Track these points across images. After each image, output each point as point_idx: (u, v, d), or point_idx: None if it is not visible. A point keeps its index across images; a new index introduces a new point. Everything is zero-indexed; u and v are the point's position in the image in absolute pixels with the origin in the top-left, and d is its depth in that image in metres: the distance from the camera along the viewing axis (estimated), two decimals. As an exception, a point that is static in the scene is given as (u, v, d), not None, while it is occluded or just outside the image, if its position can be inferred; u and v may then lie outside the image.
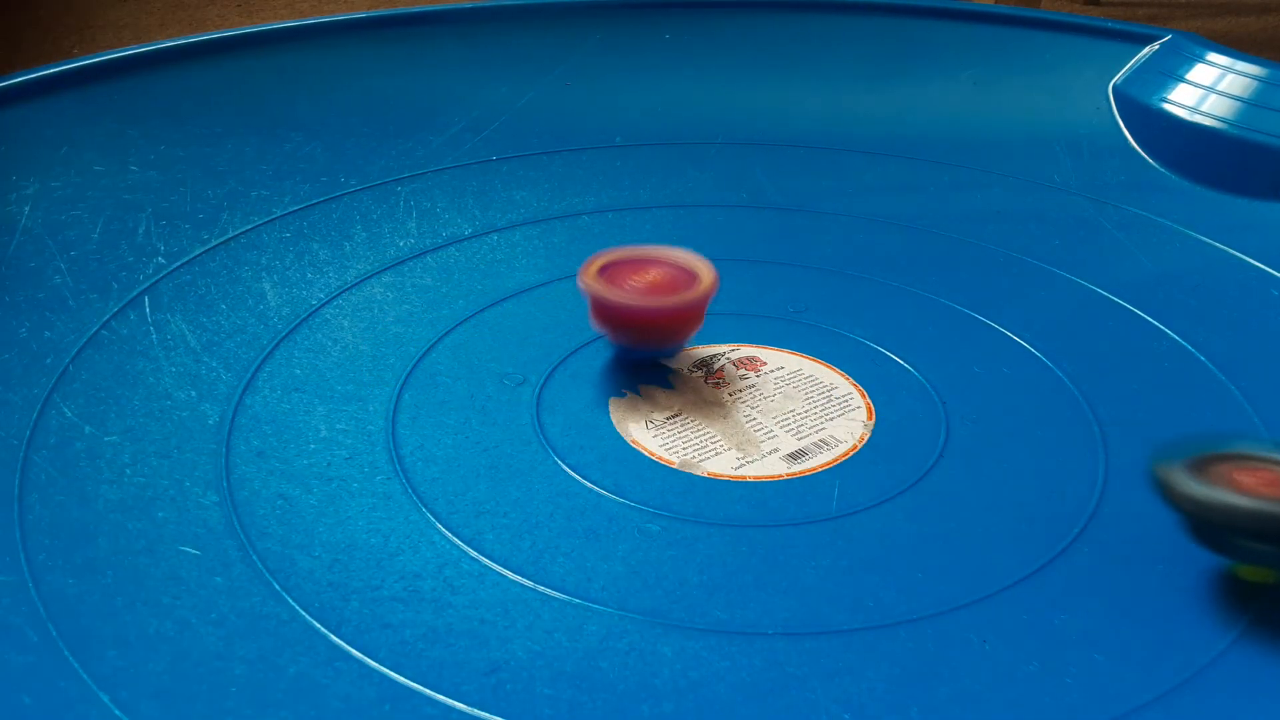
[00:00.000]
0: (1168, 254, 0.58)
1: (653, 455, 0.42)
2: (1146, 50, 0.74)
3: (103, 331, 0.47)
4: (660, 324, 0.46)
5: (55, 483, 0.39)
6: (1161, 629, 0.35)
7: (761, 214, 0.61)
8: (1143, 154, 0.68)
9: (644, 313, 0.45)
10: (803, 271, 0.55)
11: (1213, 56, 0.70)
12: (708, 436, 0.43)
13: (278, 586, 0.35)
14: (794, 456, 0.42)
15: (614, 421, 0.44)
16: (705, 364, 0.48)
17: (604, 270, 0.46)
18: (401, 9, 0.75)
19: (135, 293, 0.50)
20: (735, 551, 0.38)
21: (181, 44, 0.68)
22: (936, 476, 0.42)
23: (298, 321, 0.49)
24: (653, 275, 0.46)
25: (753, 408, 0.45)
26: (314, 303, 0.51)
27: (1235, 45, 0.73)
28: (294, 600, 0.35)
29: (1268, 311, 0.53)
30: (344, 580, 0.36)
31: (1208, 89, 0.68)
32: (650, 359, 0.48)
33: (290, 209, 0.58)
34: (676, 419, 0.44)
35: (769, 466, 0.42)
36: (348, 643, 0.33)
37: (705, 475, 0.41)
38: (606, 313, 0.46)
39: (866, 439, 0.43)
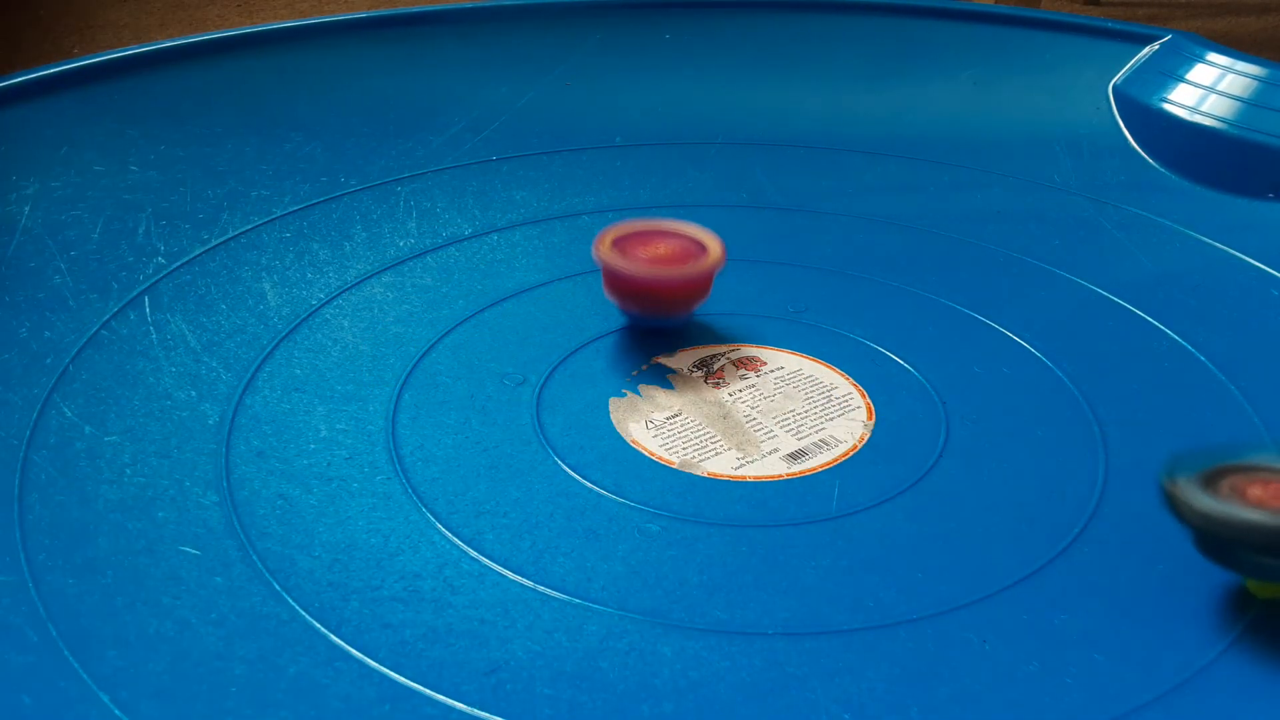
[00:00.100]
0: (1168, 254, 0.58)
1: (653, 455, 0.42)
2: (1146, 50, 0.74)
3: (103, 331, 0.47)
4: (668, 294, 0.48)
5: (55, 483, 0.39)
6: (1161, 629, 0.35)
7: (761, 214, 0.61)
8: (1143, 154, 0.68)
9: (653, 283, 0.47)
10: (803, 271, 0.55)
11: (1213, 56, 0.70)
12: (708, 436, 0.43)
13: (278, 586, 0.35)
14: (794, 456, 0.42)
15: (614, 421, 0.44)
16: (705, 364, 0.48)
17: (617, 242, 0.48)
18: (401, 9, 0.75)
19: (135, 293, 0.50)
20: (735, 551, 0.38)
21: (181, 44, 0.68)
22: (936, 476, 0.42)
23: (298, 321, 0.49)
24: (663, 247, 0.48)
25: (753, 408, 0.45)
26: (314, 303, 0.51)
27: (1235, 45, 0.73)
28: (294, 600, 0.35)
29: (1268, 311, 0.53)
30: (344, 580, 0.36)
31: (1208, 89, 0.68)
32: (660, 327, 0.50)
33: (290, 209, 0.58)
34: (676, 419, 0.44)
35: (769, 466, 0.42)
36: (348, 643, 0.33)
37: (705, 475, 0.41)
38: (618, 282, 0.48)
39: (866, 439, 0.43)
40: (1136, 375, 0.48)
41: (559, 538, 0.38)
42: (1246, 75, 0.67)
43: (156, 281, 0.51)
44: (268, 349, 0.47)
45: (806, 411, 0.45)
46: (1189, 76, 0.69)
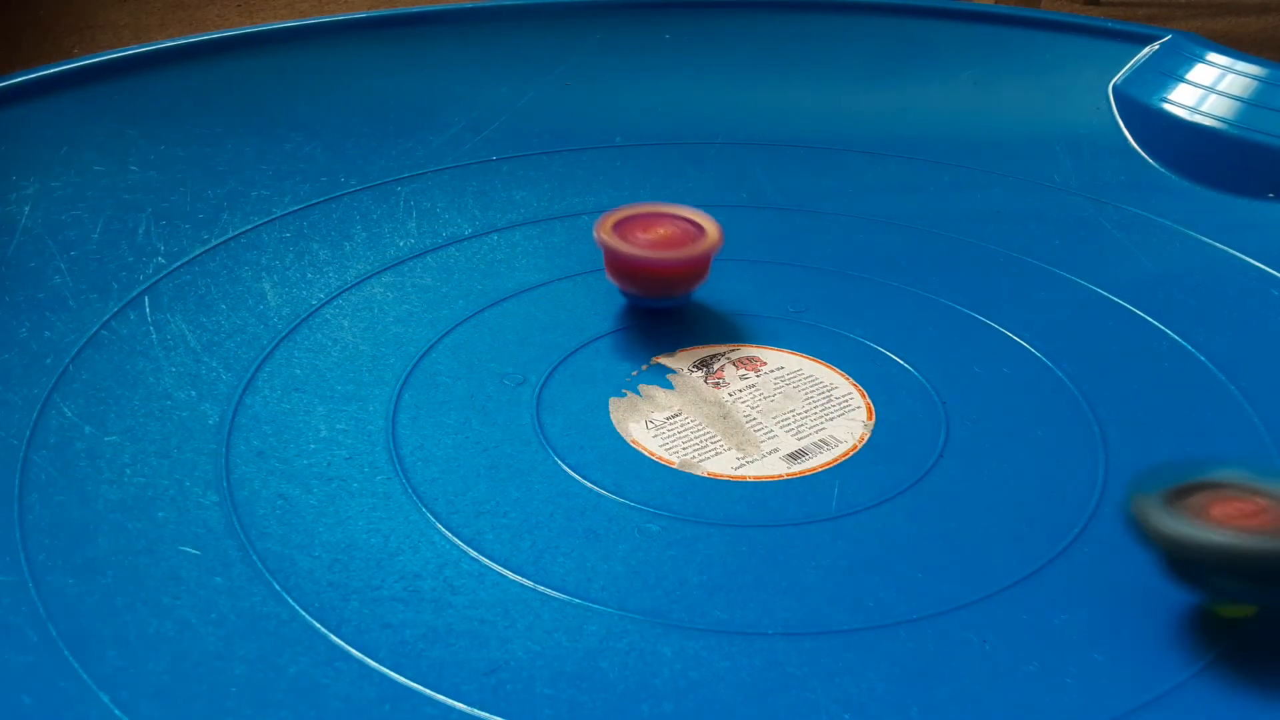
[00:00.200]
0: (1168, 254, 0.58)
1: (653, 455, 0.42)
2: (1146, 50, 0.74)
3: (103, 331, 0.47)
4: (667, 276, 0.49)
5: (55, 483, 0.39)
6: (1161, 629, 0.35)
7: (761, 214, 0.61)
8: (1143, 154, 0.68)
9: (654, 264, 0.49)
10: (803, 271, 0.55)
11: (1213, 56, 0.70)
12: (708, 436, 0.43)
13: (278, 586, 0.35)
14: (794, 456, 0.42)
15: (614, 421, 0.44)
16: (705, 364, 0.48)
17: (618, 225, 0.50)
18: (401, 9, 0.75)
19: (135, 293, 0.50)
20: (735, 551, 0.38)
21: (181, 44, 0.68)
22: (936, 476, 0.42)
23: (298, 321, 0.49)
24: (663, 230, 0.50)
25: (753, 408, 0.45)
26: (314, 303, 0.51)
27: (1235, 45, 0.73)
28: (294, 600, 0.35)
29: (1268, 311, 0.53)
30: (344, 580, 0.36)
31: (1208, 89, 0.68)
32: (660, 308, 0.51)
33: (290, 209, 0.58)
34: (676, 419, 0.44)
35: (769, 466, 0.42)
36: (348, 643, 0.33)
37: (705, 475, 0.41)
38: (618, 264, 0.49)
39: (866, 439, 0.43)
40: (1136, 375, 0.48)
41: (559, 538, 0.38)
42: (1246, 75, 0.67)
43: (156, 281, 0.51)
44: (268, 349, 0.47)
45: (806, 411, 0.45)
46: (1189, 76, 0.69)
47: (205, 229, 0.55)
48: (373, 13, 0.74)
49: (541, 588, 0.36)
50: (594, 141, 0.67)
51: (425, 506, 0.39)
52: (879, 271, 0.55)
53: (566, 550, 0.37)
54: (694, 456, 0.42)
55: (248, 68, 0.69)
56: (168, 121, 0.64)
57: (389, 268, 0.54)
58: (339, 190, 0.60)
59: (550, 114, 0.70)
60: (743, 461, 0.42)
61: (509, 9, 0.77)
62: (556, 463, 0.42)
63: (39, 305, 0.48)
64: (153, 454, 0.41)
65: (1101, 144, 0.69)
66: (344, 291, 0.52)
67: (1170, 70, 0.70)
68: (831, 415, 0.45)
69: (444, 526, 0.38)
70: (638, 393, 0.46)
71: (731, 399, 0.45)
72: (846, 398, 0.46)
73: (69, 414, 0.42)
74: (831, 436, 0.43)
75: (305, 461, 0.41)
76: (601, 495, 0.40)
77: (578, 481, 0.41)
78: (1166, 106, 0.68)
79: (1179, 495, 0.34)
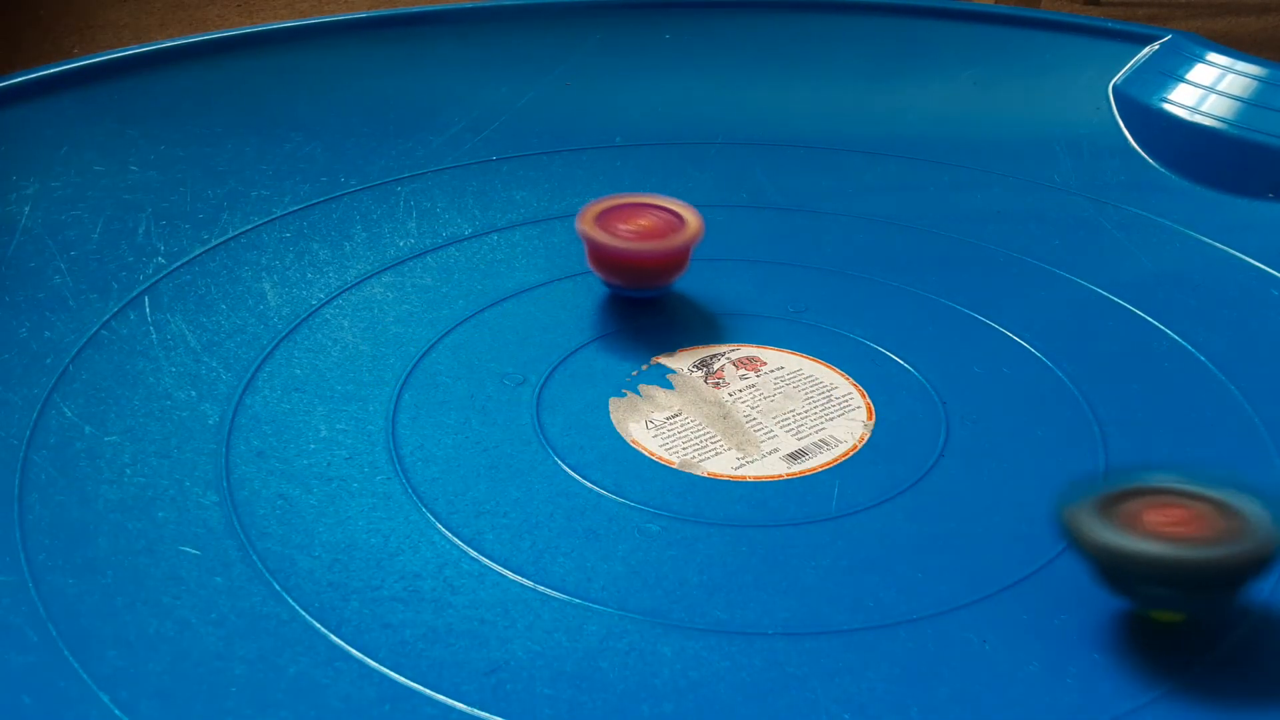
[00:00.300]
0: (1168, 254, 0.58)
1: (653, 455, 0.42)
2: (1146, 50, 0.74)
3: (103, 331, 0.47)
4: (647, 267, 0.50)
5: (55, 483, 0.39)
6: (1161, 628, 0.35)
7: (761, 214, 0.61)
8: (1143, 154, 0.68)
9: (632, 255, 0.49)
10: (803, 271, 0.55)
11: (1213, 56, 0.70)
12: (708, 436, 0.43)
13: (278, 586, 0.35)
14: (794, 456, 0.42)
15: (614, 421, 0.44)
16: (705, 364, 0.48)
17: (600, 216, 0.50)
18: (401, 9, 0.75)
19: (135, 293, 0.50)
20: (735, 551, 0.38)
21: (181, 44, 0.68)
22: (936, 476, 0.42)
23: (298, 321, 0.49)
24: (644, 221, 0.50)
25: (753, 408, 0.45)
26: (314, 303, 0.51)
27: (1235, 45, 0.73)
28: (294, 600, 0.35)
29: (1268, 311, 0.53)
30: (344, 580, 0.36)
31: (1208, 89, 0.68)
32: (641, 298, 0.51)
33: (290, 209, 0.58)
34: (676, 419, 0.44)
35: (769, 466, 0.42)
36: (348, 643, 0.33)
37: (705, 475, 0.41)
38: (599, 255, 0.50)
39: (866, 439, 0.43)
40: (1136, 375, 0.48)
41: (559, 538, 0.38)
42: (1246, 75, 0.67)
43: (156, 281, 0.51)
44: (268, 349, 0.47)
45: (806, 411, 0.45)
46: (1189, 76, 0.69)
47: (205, 229, 0.55)
48: (373, 13, 0.74)
49: (541, 588, 0.36)
50: (594, 141, 0.67)
51: (425, 506, 0.39)
52: (879, 271, 0.55)
53: (566, 550, 0.37)
54: (694, 456, 0.42)
55: (248, 68, 0.69)
56: (168, 121, 0.64)
57: (389, 268, 0.54)
58: (339, 190, 0.60)
59: (550, 114, 0.70)
60: (743, 461, 0.42)
61: (509, 9, 0.77)
62: (556, 463, 0.42)
63: (39, 305, 0.48)
64: (153, 454, 0.41)
65: (1101, 144, 0.69)
66: (344, 291, 0.52)
67: (1170, 70, 0.70)
68: (831, 415, 0.45)
69: (444, 526, 0.38)
70: (638, 393, 0.46)
71: (731, 399, 0.45)
72: (846, 398, 0.46)
73: (69, 414, 0.42)
74: (831, 436, 0.43)
75: (305, 461, 0.41)
76: (601, 495, 0.40)
77: (578, 481, 0.41)
78: (1166, 106, 0.68)
79: (1112, 502, 0.34)
